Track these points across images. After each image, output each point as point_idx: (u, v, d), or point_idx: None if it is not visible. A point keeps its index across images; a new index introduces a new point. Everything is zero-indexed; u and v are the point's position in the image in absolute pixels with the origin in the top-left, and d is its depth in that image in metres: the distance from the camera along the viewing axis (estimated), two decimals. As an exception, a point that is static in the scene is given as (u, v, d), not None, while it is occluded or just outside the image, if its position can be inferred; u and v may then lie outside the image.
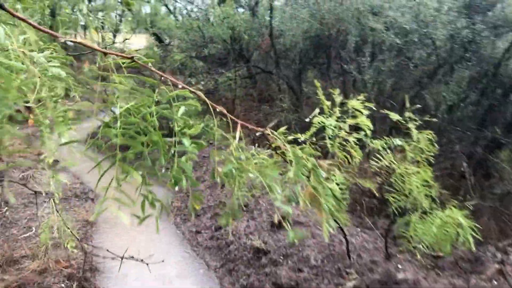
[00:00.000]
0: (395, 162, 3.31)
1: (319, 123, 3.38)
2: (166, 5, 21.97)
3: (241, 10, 13.00)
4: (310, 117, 3.37)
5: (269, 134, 2.08)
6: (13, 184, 7.48)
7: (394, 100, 7.86)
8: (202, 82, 9.50)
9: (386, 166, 3.25)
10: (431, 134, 3.48)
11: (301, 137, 3.94)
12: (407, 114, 3.36)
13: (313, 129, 3.53)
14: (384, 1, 7.65)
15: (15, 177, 8.04)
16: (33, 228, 6.05)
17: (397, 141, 3.25)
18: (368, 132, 2.97)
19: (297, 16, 10.80)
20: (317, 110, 3.13)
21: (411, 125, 3.40)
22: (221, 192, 6.90)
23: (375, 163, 3.29)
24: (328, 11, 9.09)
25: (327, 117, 3.44)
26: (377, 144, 3.19)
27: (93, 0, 21.27)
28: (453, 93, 6.46)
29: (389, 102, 7.66)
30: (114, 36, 27.31)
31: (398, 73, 7.89)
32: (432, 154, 3.44)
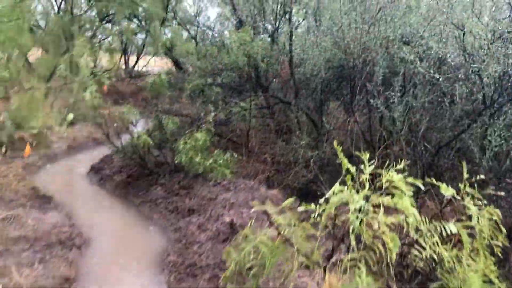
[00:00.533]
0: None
1: (338, 197, 2.44)
2: (187, 30, 21.45)
3: (260, 36, 12.20)
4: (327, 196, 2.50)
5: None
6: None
7: (428, 141, 6.82)
8: (213, 113, 8.61)
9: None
10: (496, 213, 2.49)
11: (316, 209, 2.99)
12: (462, 186, 2.40)
13: (330, 209, 2.58)
14: (419, 29, 6.68)
15: None
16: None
17: (452, 227, 2.28)
18: (411, 220, 2.04)
19: (319, 44, 9.92)
20: (336, 186, 2.26)
21: (468, 202, 2.44)
22: (224, 248, 5.92)
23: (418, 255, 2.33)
24: (353, 40, 8.16)
25: (352, 191, 2.51)
26: (424, 229, 2.23)
27: (115, 24, 20.95)
28: (500, 138, 5.39)
29: (423, 144, 6.62)
30: (138, 59, 27.03)
31: (433, 111, 6.85)
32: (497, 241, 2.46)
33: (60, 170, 11.05)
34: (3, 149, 10.98)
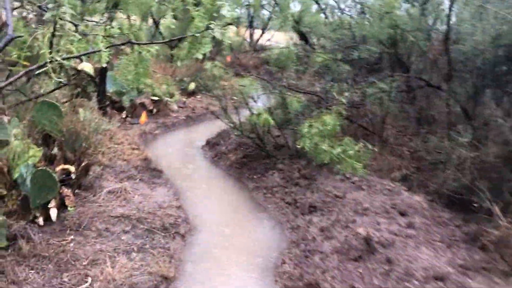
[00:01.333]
0: None
1: None
2: (317, 2, 20.01)
3: (406, 5, 10.32)
4: None
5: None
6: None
7: None
8: (346, 93, 7.20)
9: None
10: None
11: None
12: None
13: None
14: None
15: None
16: (89, 279, 4.43)
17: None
18: None
19: (483, 17, 7.91)
20: None
21: None
22: (356, 269, 4.61)
23: None
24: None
25: None
26: None
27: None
28: None
29: None
30: (263, 33, 26.36)
31: None
32: None
33: (175, 141, 10.54)
34: (124, 114, 10.76)
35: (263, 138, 8.22)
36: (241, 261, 5.43)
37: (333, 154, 6.99)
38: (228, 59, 19.14)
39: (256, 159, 8.37)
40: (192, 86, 14.95)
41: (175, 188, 7.35)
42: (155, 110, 11.78)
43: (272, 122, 7.35)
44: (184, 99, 13.95)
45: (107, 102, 10.65)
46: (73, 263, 4.65)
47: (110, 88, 10.42)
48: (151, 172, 7.70)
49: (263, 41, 26.01)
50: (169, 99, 12.43)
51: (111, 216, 5.84)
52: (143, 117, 9.71)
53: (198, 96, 14.93)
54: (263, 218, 6.77)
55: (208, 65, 8.37)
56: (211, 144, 9.83)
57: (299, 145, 7.19)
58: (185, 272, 5.05)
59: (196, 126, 12.03)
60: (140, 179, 7.25)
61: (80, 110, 8.43)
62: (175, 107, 12.76)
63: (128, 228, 5.65)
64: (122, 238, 5.42)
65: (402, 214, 5.63)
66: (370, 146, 7.29)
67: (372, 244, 4.76)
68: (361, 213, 5.71)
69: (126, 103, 10.94)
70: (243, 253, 5.64)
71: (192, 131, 11.53)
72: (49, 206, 5.41)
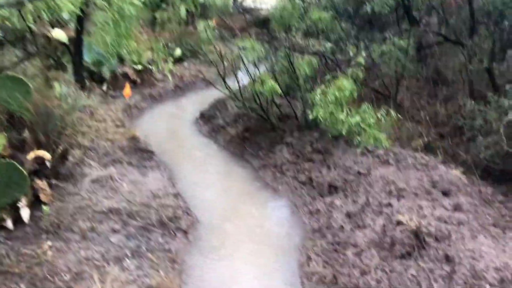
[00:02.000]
0: None
1: None
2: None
3: None
4: None
5: None
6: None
7: None
8: (364, 53, 6.19)
9: None
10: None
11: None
12: None
13: None
14: None
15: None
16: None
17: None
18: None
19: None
20: None
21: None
22: (406, 269, 3.72)
23: None
24: None
25: None
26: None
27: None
28: None
29: None
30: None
31: None
32: None
33: (164, 115, 9.46)
34: (104, 87, 9.59)
35: (267, 108, 7.20)
36: (259, 262, 4.52)
37: (351, 124, 6.05)
38: (214, 22, 17.82)
39: (260, 132, 7.38)
40: (178, 52, 13.72)
41: (170, 171, 6.36)
42: (139, 81, 10.62)
43: (279, 90, 6.31)
44: (170, 67, 12.77)
45: (85, 74, 9.48)
46: (51, 279, 3.68)
47: (87, 58, 9.23)
48: (141, 153, 6.68)
49: (248, 3, 24.63)
50: (154, 67, 11.24)
51: (97, 212, 4.86)
52: (127, 90, 8.58)
53: (185, 63, 13.74)
54: (275, 202, 5.85)
55: (200, 25, 7.21)
56: (206, 117, 8.79)
57: (311, 116, 6.22)
58: (193, 281, 4.12)
59: (186, 97, 10.93)
60: (128, 163, 6.23)
61: (56, 84, 7.32)
62: (160, 76, 11.60)
63: (118, 226, 4.68)
64: (112, 240, 4.45)
65: (445, 193, 4.74)
66: (392, 113, 6.37)
67: (422, 237, 3.86)
68: (395, 194, 4.80)
69: (106, 74, 9.75)
70: (260, 250, 4.72)
71: (182, 103, 10.45)
72: (18, 205, 4.40)
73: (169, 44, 13.82)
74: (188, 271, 4.23)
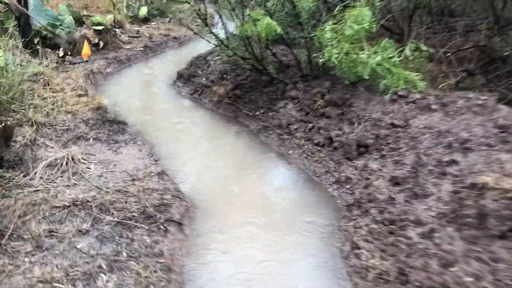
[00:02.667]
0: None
1: None
2: None
3: None
4: None
5: None
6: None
7: None
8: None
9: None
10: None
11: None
12: None
13: None
14: None
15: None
16: None
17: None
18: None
19: None
20: None
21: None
22: (504, 245, 2.55)
23: None
24: None
25: None
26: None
27: None
28: None
29: None
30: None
31: None
32: None
33: (135, 80, 8.01)
34: (61, 52, 8.04)
35: (262, 57, 5.83)
36: (290, 260, 3.28)
37: (373, 65, 4.76)
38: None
39: (255, 88, 6.04)
40: (143, 11, 12.11)
41: (150, 145, 5.03)
42: (101, 44, 9.07)
43: (278, 28, 4.92)
44: (136, 28, 11.19)
45: (37, 39, 7.92)
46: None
47: (39, 21, 7.67)
48: (110, 126, 5.30)
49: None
50: (118, 29, 9.68)
51: (56, 207, 3.54)
52: (85, 49, 7.08)
53: (153, 23, 12.15)
54: (287, 173, 4.60)
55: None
56: (185, 77, 7.37)
57: (322, 59, 4.91)
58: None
59: (158, 58, 9.45)
60: (95, 139, 4.86)
61: (-1, 51, 5.84)
62: (126, 38, 10.05)
63: (87, 226, 3.37)
64: (79, 246, 3.15)
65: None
66: (423, 47, 5.13)
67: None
68: (458, 147, 3.59)
69: (62, 38, 8.18)
70: (286, 244, 3.48)
71: (155, 64, 8.98)
72: None
73: (131, 3, 12.23)
74: (190, 283, 2.97)
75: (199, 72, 7.17)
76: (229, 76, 6.55)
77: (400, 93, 4.70)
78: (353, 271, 3.04)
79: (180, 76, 7.45)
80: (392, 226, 3.23)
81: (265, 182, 4.45)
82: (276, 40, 5.77)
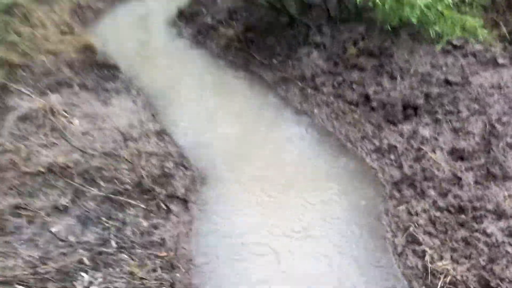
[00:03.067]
0: None
1: None
2: None
3: None
4: None
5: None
6: None
7: None
8: None
9: None
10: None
11: None
12: None
13: None
14: None
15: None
16: None
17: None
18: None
19: None
20: None
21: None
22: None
23: None
24: None
25: None
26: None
27: None
28: None
29: None
30: None
31: None
32: None
33: (130, 16, 6.99)
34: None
35: (282, -6, 4.88)
36: (329, 255, 2.56)
37: (422, 7, 3.85)
38: None
39: (271, 31, 5.12)
40: None
41: (146, 96, 4.18)
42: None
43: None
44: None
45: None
46: None
47: None
48: (99, 70, 4.44)
49: None
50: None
51: (28, 174, 2.77)
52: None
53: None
54: (312, 137, 3.79)
55: None
56: (187, 16, 6.39)
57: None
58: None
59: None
60: (80, 86, 4.02)
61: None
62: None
63: (66, 201, 2.61)
64: (54, 229, 2.40)
65: None
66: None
67: None
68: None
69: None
70: (323, 232, 2.75)
71: (154, 0, 7.90)
72: None
73: None
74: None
75: (203, 10, 6.19)
76: (239, 16, 5.61)
77: (455, 42, 3.84)
78: (412, 274, 2.32)
79: (181, 13, 6.46)
80: (462, 216, 2.49)
81: (285, 149, 3.65)
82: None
